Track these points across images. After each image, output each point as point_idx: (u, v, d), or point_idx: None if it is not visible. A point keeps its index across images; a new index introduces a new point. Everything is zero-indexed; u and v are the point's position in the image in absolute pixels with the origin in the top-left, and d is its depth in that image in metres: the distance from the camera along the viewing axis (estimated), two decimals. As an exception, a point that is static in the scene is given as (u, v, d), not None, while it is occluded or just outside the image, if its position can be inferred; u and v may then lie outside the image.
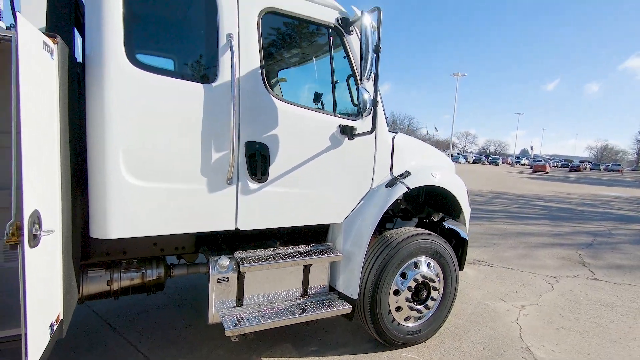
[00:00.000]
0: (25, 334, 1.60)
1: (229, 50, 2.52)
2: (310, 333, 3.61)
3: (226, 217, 2.67)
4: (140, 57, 2.38)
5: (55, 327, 1.95)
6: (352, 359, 3.25)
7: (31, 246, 1.59)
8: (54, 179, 1.94)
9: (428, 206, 4.13)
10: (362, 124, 3.04)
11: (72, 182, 2.18)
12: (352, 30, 3.06)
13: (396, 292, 3.32)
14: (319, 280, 3.20)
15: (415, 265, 3.40)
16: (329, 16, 2.99)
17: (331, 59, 3.02)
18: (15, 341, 2.16)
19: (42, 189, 1.75)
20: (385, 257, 3.23)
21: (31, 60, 1.67)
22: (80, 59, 2.45)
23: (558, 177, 39.15)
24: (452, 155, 56.26)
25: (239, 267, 2.77)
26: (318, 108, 3.10)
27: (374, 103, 2.74)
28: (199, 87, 2.47)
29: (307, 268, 3.12)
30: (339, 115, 3.06)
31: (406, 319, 3.43)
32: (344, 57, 3.12)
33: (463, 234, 3.96)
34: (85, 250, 2.70)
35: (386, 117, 3.43)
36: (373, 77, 2.73)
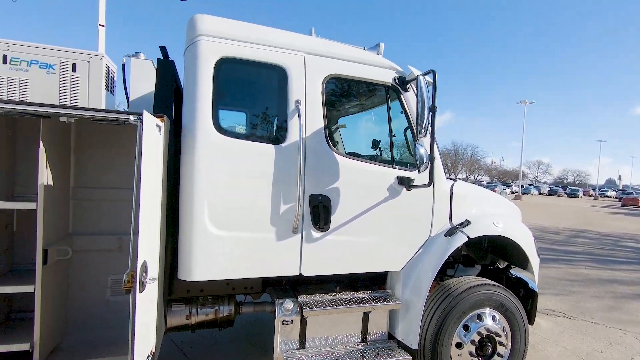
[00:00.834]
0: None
1: (297, 114, 2.87)
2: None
3: (291, 264, 2.91)
4: (224, 124, 2.81)
5: (150, 359, 2.29)
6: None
7: (140, 292, 1.96)
8: (157, 232, 2.35)
9: (492, 253, 4.00)
10: (419, 175, 3.16)
11: (167, 234, 2.60)
12: (408, 88, 3.27)
13: (459, 345, 3.23)
14: (378, 327, 3.26)
15: (479, 317, 3.30)
16: (386, 76, 3.24)
17: (389, 114, 3.24)
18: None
19: (149, 241, 2.15)
20: (446, 307, 3.20)
21: (149, 138, 2.12)
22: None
23: (656, 212, 34.07)
24: (522, 187, 52.06)
25: (302, 311, 2.96)
26: (376, 160, 3.29)
27: (431, 158, 2.86)
28: (270, 147, 2.83)
29: (366, 315, 3.21)
30: (397, 167, 3.22)
31: (470, 375, 3.29)
32: (401, 112, 3.32)
33: (532, 285, 3.75)
34: (170, 288, 3.11)
35: (443, 162, 3.50)
36: (429, 133, 2.87)
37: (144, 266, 1.98)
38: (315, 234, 2.94)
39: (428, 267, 3.20)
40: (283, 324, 2.98)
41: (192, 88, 2.70)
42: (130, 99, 3.56)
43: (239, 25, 2.88)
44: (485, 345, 3.31)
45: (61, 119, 2.27)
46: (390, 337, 3.31)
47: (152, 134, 2.23)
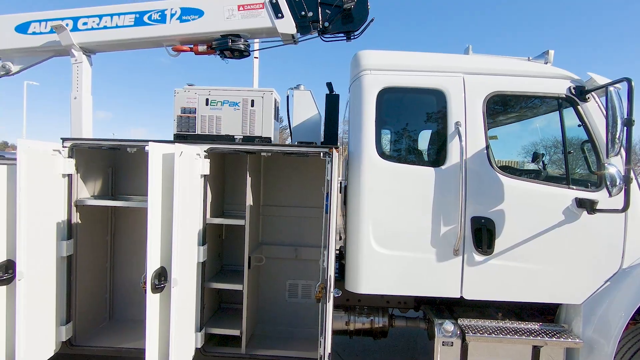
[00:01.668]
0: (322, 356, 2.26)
1: (457, 136, 2.87)
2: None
3: (452, 286, 2.90)
4: (386, 149, 3.02)
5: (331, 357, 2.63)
6: None
7: (327, 301, 2.29)
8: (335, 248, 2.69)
9: None
10: (604, 196, 2.74)
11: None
12: (588, 98, 2.88)
13: (667, 404, 2.65)
14: (551, 364, 2.94)
15: (699, 374, 2.63)
16: (559, 87, 2.94)
17: (563, 129, 2.92)
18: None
19: (333, 256, 2.48)
20: (648, 355, 2.66)
21: (329, 167, 2.48)
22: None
23: None
24: None
25: (463, 334, 2.91)
26: (541, 177, 3.01)
27: (627, 180, 2.46)
28: (430, 170, 2.90)
29: (536, 349, 2.93)
30: (574, 187, 2.87)
31: None
32: (579, 126, 2.94)
33: None
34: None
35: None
36: (623, 151, 2.48)
37: (331, 279, 2.31)
38: (478, 257, 2.86)
39: (621, 304, 2.73)
40: (443, 345, 2.98)
41: (357, 118, 3.00)
42: (293, 125, 4.15)
43: (397, 55, 3.07)
44: None
45: (263, 154, 2.85)
46: (568, 378, 2.94)
47: (335, 163, 2.58)
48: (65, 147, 2.76)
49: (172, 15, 3.05)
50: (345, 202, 3.00)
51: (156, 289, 2.32)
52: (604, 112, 2.64)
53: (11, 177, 2.44)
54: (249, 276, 3.02)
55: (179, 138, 3.49)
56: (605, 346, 2.74)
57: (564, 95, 2.93)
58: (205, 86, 4.25)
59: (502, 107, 3.15)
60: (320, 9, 3.05)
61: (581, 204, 2.80)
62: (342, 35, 3.21)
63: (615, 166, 2.53)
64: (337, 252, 3.49)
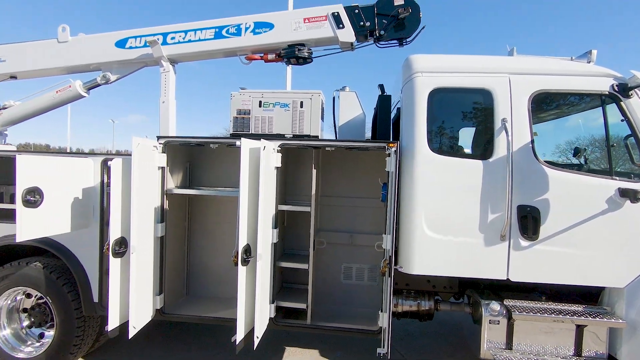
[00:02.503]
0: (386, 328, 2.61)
1: (503, 131, 3.13)
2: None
3: (498, 268, 3.17)
4: (436, 144, 3.32)
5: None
6: None
7: (390, 275, 2.63)
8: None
9: None
10: (650, 187, 2.93)
11: None
12: (632, 94, 3.08)
13: None
14: (594, 344, 3.14)
15: None
16: (602, 84, 3.14)
17: (606, 124, 3.13)
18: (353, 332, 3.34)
19: (392, 239, 2.82)
20: (691, 337, 2.83)
21: (391, 163, 2.82)
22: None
23: None
24: None
25: (510, 313, 3.17)
26: (591, 171, 3.21)
27: (669, 170, 2.66)
28: (478, 163, 3.18)
29: (580, 328, 3.15)
30: (617, 178, 3.07)
31: None
32: (622, 120, 3.14)
33: None
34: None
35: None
36: (666, 143, 2.67)
37: (392, 257, 2.65)
38: (524, 242, 3.12)
39: (663, 288, 2.91)
40: (490, 323, 3.25)
41: (409, 116, 3.32)
42: (338, 125, 4.51)
43: (446, 58, 3.37)
44: None
45: (327, 149, 3.23)
46: (611, 357, 3.13)
47: (391, 156, 2.92)
48: (161, 143, 3.25)
49: (246, 29, 3.49)
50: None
51: (244, 261, 2.75)
52: (647, 108, 2.84)
53: (125, 168, 2.95)
54: (313, 257, 3.41)
55: (235, 137, 3.94)
56: (648, 328, 2.92)
57: (607, 92, 3.13)
58: (258, 90, 4.68)
59: (546, 105, 3.38)
60: (376, 19, 3.39)
61: (624, 193, 3.00)
62: (395, 41, 3.54)
63: (658, 157, 2.73)
64: None
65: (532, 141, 3.15)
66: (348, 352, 4.31)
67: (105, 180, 3.38)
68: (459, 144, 3.51)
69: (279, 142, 3.27)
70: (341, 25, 3.38)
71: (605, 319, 3.07)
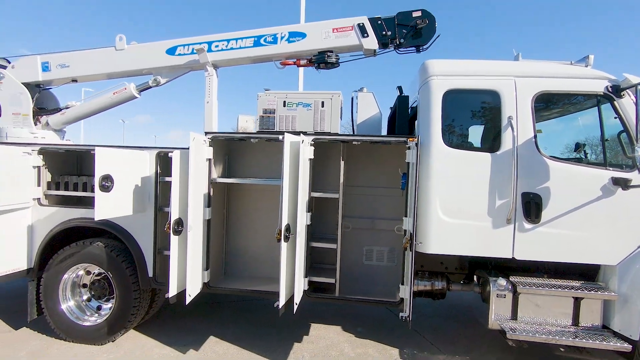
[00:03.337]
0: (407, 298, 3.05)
1: (509, 128, 3.57)
2: (579, 367, 3.89)
3: (505, 248, 3.60)
4: (450, 139, 3.76)
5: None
6: (633, 402, 3.35)
7: (411, 249, 3.08)
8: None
9: None
10: (636, 175, 3.35)
11: None
12: (624, 94, 3.49)
13: (693, 347, 3.21)
14: (590, 315, 3.56)
15: None
16: (597, 86, 3.56)
17: (601, 121, 3.55)
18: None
19: (412, 221, 3.28)
20: (674, 307, 3.23)
21: (411, 155, 3.27)
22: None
23: None
24: None
25: (515, 288, 3.60)
26: (581, 162, 3.63)
27: (654, 160, 3.07)
28: (487, 155, 3.62)
29: (577, 301, 3.57)
30: (611, 168, 3.48)
31: None
32: (615, 118, 3.55)
33: None
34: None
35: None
36: (652, 137, 3.08)
37: (414, 235, 3.11)
38: (527, 225, 3.55)
39: (650, 264, 3.32)
40: (497, 297, 3.68)
41: (426, 114, 3.76)
42: (357, 123, 4.95)
43: (458, 63, 3.81)
44: None
45: (354, 143, 3.69)
46: (604, 327, 3.55)
47: (411, 150, 3.38)
48: (209, 138, 3.74)
49: (282, 38, 3.97)
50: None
51: (286, 238, 3.23)
52: (637, 106, 3.25)
53: (182, 159, 3.44)
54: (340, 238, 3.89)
55: (261, 133, 4.35)
56: (638, 300, 3.34)
57: (602, 93, 3.55)
58: (282, 91, 5.13)
59: (547, 104, 3.80)
60: (397, 29, 3.85)
61: (617, 182, 3.41)
62: (413, 48, 3.99)
63: (644, 150, 3.14)
64: None
65: (535, 136, 3.57)
66: (367, 328, 4.77)
67: (159, 170, 3.90)
68: (470, 139, 3.95)
69: (312, 137, 3.74)
70: (366, 35, 3.84)
71: (600, 293, 3.49)
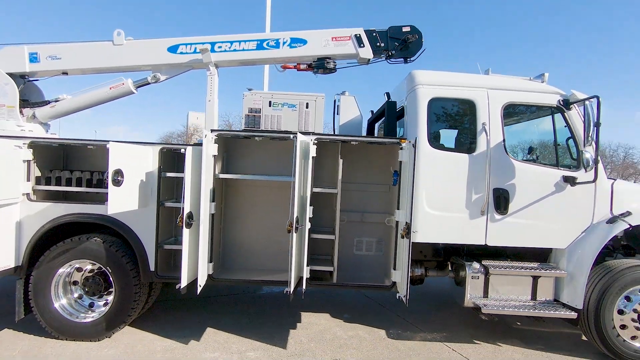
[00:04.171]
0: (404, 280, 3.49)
1: (483, 132, 4.15)
2: (537, 337, 4.61)
3: (479, 236, 4.18)
4: (434, 141, 4.26)
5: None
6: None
7: (409, 236, 3.52)
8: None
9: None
10: (582, 174, 4.09)
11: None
12: (571, 107, 4.22)
13: (620, 312, 4.01)
14: (545, 290, 4.26)
15: (640, 292, 4.01)
16: (552, 99, 4.27)
17: (554, 128, 4.27)
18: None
19: (408, 213, 3.73)
20: (608, 280, 4.01)
21: (403, 155, 3.71)
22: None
23: None
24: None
25: (487, 270, 4.20)
26: (544, 163, 4.33)
27: (596, 161, 3.82)
28: (465, 156, 4.18)
29: (535, 279, 4.25)
30: (562, 168, 4.21)
31: (633, 338, 4.02)
32: (564, 126, 4.28)
33: (698, 273, 4.19)
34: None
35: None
36: (594, 143, 3.82)
37: (408, 226, 3.55)
38: (497, 216, 4.16)
39: (590, 246, 4.07)
40: (472, 278, 4.26)
41: (413, 119, 4.24)
42: (339, 124, 5.33)
43: (442, 74, 4.34)
44: (647, 315, 3.99)
45: (352, 143, 4.05)
46: (556, 301, 4.27)
47: (407, 149, 3.82)
48: (215, 136, 3.89)
49: (284, 43, 4.21)
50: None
51: (295, 229, 3.50)
52: (582, 117, 3.97)
53: (194, 155, 3.57)
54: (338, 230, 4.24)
55: (227, 132, 4.48)
56: (580, 277, 4.07)
57: (555, 105, 4.26)
58: (268, 91, 5.36)
59: (513, 113, 4.47)
60: (389, 41, 4.28)
61: (566, 179, 4.13)
62: (401, 59, 4.45)
63: (589, 152, 3.87)
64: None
65: (504, 140, 4.20)
66: (353, 314, 5.17)
67: (161, 165, 3.97)
68: (451, 141, 4.50)
69: (316, 136, 4.04)
70: (362, 45, 4.22)
71: (552, 272, 4.20)
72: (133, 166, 3.62)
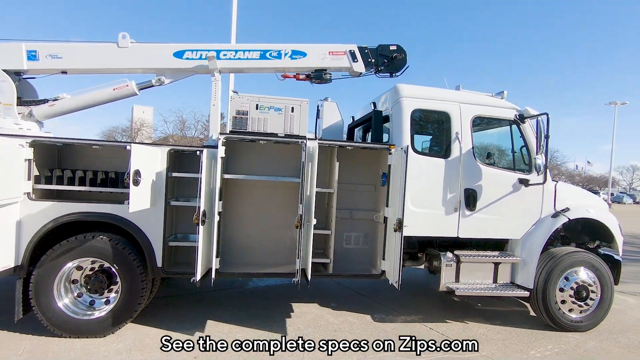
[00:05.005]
0: (396, 268, 4.04)
1: (457, 141, 4.85)
2: (496, 314, 5.43)
3: (452, 229, 4.88)
4: (416, 147, 4.87)
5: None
6: (524, 330, 4.95)
7: (402, 230, 4.08)
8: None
9: (585, 235, 5.56)
10: (534, 177, 4.94)
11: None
12: (525, 121, 5.07)
13: (561, 290, 4.92)
14: (504, 274, 5.06)
15: (576, 273, 4.95)
16: (509, 114, 5.08)
17: (512, 138, 5.09)
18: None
19: (399, 210, 4.29)
20: (552, 264, 4.90)
21: (392, 159, 4.26)
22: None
23: None
24: (612, 194, 47.70)
25: (458, 259, 4.91)
26: (504, 167, 5.14)
27: (546, 166, 4.67)
28: (442, 160, 4.85)
29: (497, 265, 5.05)
30: (518, 172, 5.04)
31: (570, 310, 4.95)
32: (520, 137, 5.12)
33: (617, 257, 5.26)
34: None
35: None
36: (544, 152, 4.66)
37: (400, 221, 4.11)
38: (468, 212, 4.88)
39: (539, 237, 4.95)
40: (446, 266, 4.95)
41: (397, 127, 4.82)
42: (322, 129, 5.80)
43: (423, 89, 4.97)
44: (581, 292, 4.94)
45: (347, 147, 4.52)
46: (512, 283, 5.10)
47: (396, 155, 4.38)
48: (224, 139, 4.15)
49: (285, 54, 4.56)
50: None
51: (302, 225, 3.90)
52: (534, 130, 4.81)
53: (208, 156, 3.82)
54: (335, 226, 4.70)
55: (234, 134, 4.72)
56: (531, 263, 4.93)
57: (512, 119, 5.08)
58: (255, 94, 5.65)
59: (480, 124, 5.23)
60: (379, 58, 4.81)
61: (521, 181, 4.96)
62: (388, 74, 5.01)
63: (540, 159, 4.72)
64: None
65: (473, 147, 4.93)
66: (339, 304, 5.66)
67: (169, 166, 4.15)
68: (430, 148, 5.16)
69: (319, 141, 4.45)
70: (355, 60, 4.71)
71: (510, 259, 5.02)
72: (147, 167, 3.79)
